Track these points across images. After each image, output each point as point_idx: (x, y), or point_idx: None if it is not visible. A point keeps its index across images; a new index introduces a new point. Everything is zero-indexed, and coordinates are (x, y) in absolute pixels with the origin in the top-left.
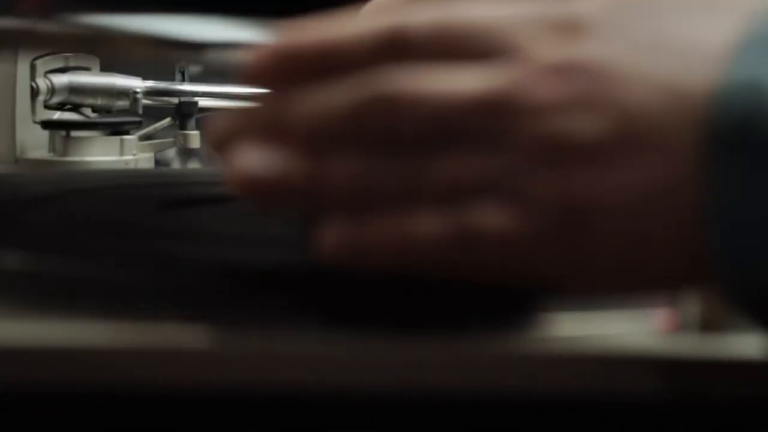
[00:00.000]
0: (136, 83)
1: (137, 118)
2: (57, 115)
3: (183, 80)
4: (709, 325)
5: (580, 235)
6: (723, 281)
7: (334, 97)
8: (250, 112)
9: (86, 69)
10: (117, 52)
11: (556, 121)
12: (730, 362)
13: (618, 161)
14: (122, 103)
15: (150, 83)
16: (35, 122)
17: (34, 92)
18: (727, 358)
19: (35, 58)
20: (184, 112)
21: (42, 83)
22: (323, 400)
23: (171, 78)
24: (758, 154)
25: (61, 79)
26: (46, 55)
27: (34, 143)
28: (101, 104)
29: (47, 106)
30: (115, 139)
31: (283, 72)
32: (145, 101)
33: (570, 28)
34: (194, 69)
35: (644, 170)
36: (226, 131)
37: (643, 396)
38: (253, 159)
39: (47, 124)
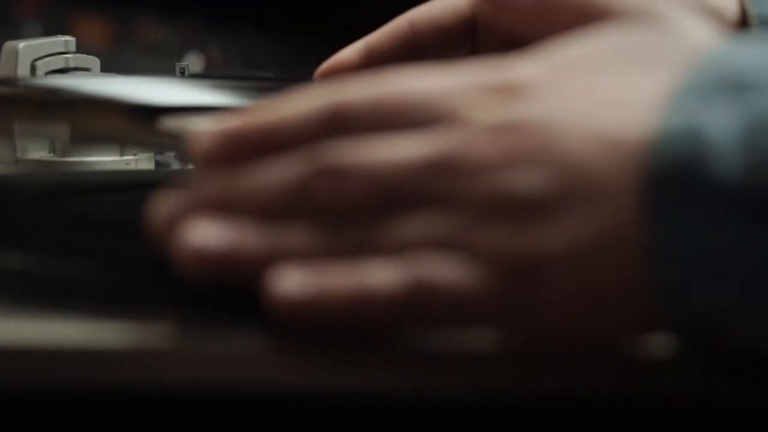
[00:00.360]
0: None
1: None
2: None
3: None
4: None
5: (531, 287)
6: (668, 323)
7: (282, 172)
8: (196, 190)
9: (86, 70)
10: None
11: (498, 178)
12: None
13: (562, 214)
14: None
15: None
16: None
17: None
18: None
19: (35, 59)
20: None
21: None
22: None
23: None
24: (695, 196)
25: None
26: (48, 56)
27: (34, 144)
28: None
29: None
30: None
31: (230, 153)
32: None
33: (507, 91)
34: (194, 69)
35: (588, 221)
36: (173, 210)
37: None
38: (207, 234)
39: None
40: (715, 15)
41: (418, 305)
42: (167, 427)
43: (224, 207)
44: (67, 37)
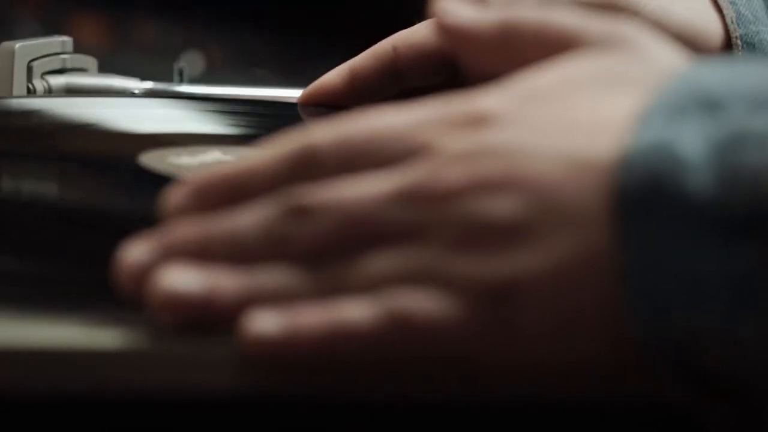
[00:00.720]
0: (134, 84)
1: None
2: None
3: (181, 81)
4: None
5: (509, 314)
6: (645, 349)
7: (251, 215)
8: (167, 236)
9: (84, 70)
10: None
11: (468, 206)
12: None
13: (535, 238)
14: None
15: (148, 84)
16: None
17: (31, 93)
18: None
19: (32, 60)
20: None
21: (39, 84)
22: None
23: (169, 79)
24: (665, 215)
25: (58, 81)
26: (44, 56)
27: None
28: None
29: None
30: None
31: (199, 204)
32: None
33: (472, 121)
34: (194, 68)
35: (562, 244)
36: (144, 257)
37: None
38: (180, 278)
39: None
40: (698, 38)
41: (395, 341)
42: (165, 428)
43: (195, 252)
44: (64, 38)
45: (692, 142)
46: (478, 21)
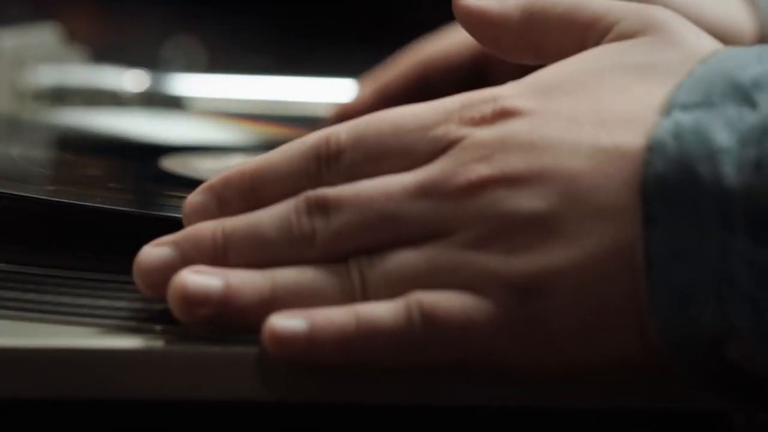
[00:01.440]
0: (126, 80)
1: None
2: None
3: (175, 69)
4: None
5: (538, 310)
6: (668, 344)
7: (271, 212)
8: (184, 240)
9: (75, 58)
10: None
11: (494, 200)
12: None
13: (562, 231)
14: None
15: (140, 74)
16: None
17: (24, 92)
18: None
19: (22, 48)
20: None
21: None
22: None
23: (164, 66)
24: (696, 200)
25: (48, 78)
26: (35, 44)
27: None
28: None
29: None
30: None
31: (217, 203)
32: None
33: (497, 115)
34: (188, 57)
35: (591, 236)
36: (163, 259)
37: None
38: (197, 278)
39: None
40: (727, 38)
41: (422, 339)
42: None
43: (215, 252)
44: (54, 24)
45: (724, 130)
46: (503, 5)
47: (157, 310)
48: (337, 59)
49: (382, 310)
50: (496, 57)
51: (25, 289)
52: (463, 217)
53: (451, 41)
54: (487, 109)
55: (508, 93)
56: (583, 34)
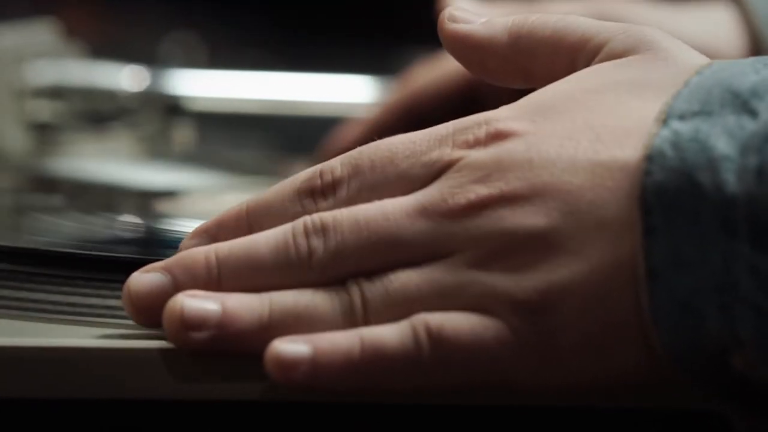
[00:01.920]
0: (124, 78)
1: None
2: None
3: (173, 65)
4: None
5: (546, 327)
6: (674, 357)
7: (268, 236)
8: (176, 266)
9: (73, 55)
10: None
11: (495, 219)
12: None
13: (566, 246)
14: (111, 105)
15: (138, 71)
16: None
17: (23, 89)
18: None
19: (21, 44)
20: (174, 113)
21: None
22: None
23: (162, 61)
24: (688, 215)
25: (46, 76)
26: (33, 40)
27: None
28: (89, 106)
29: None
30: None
31: (210, 239)
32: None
33: (492, 137)
34: (185, 53)
35: (594, 250)
36: (159, 284)
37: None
38: (196, 303)
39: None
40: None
41: (429, 362)
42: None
43: (209, 277)
44: (52, 20)
45: (724, 138)
46: (490, 29)
47: None
48: (337, 55)
49: (387, 333)
50: (487, 84)
51: (25, 288)
52: (464, 238)
53: (439, 72)
54: (481, 132)
55: (501, 116)
56: (572, 56)
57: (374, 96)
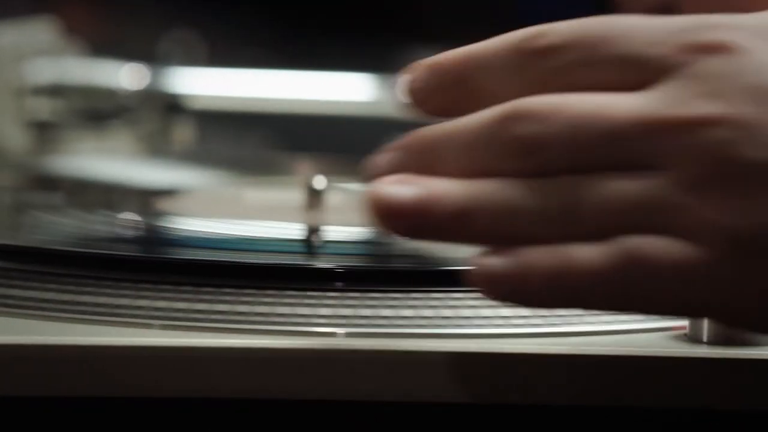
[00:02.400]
0: (123, 76)
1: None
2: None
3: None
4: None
5: (756, 267)
6: None
7: (480, 115)
8: (398, 148)
9: (72, 52)
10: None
11: (720, 141)
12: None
13: None
14: (110, 103)
15: (138, 68)
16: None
17: (21, 91)
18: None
19: (19, 41)
20: (174, 111)
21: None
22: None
23: (162, 59)
24: None
25: (46, 74)
26: (31, 38)
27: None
28: (88, 104)
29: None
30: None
31: (433, 86)
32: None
33: (718, 48)
34: (187, 51)
35: None
36: (382, 167)
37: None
38: (395, 187)
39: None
40: None
41: (627, 283)
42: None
43: (423, 158)
44: (51, 18)
45: None
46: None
47: (157, 308)
48: (339, 53)
49: (587, 253)
50: None
51: (24, 287)
52: (681, 154)
53: None
54: (709, 41)
55: (726, 25)
56: None
57: (375, 94)
